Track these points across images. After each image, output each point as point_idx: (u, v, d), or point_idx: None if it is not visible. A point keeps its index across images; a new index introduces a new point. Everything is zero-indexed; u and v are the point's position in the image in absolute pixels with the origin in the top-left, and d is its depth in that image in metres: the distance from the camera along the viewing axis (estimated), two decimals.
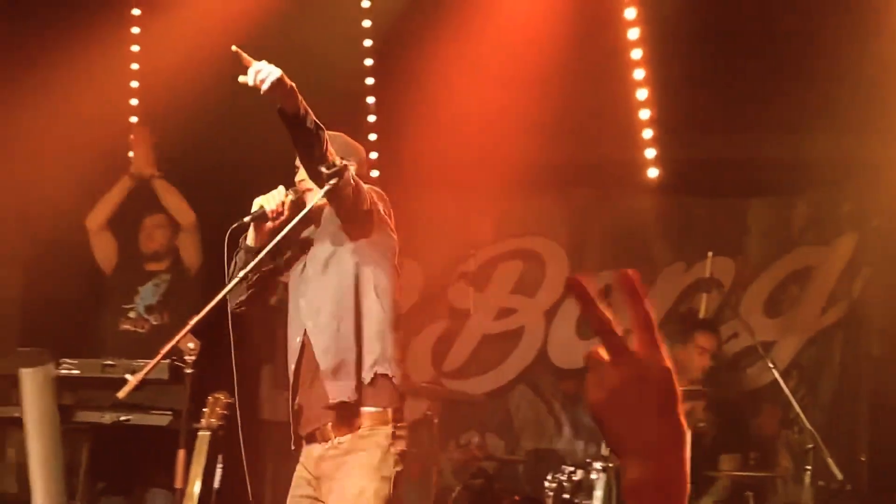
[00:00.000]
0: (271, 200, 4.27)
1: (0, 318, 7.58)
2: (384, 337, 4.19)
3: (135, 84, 7.92)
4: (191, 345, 3.78)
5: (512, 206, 7.88)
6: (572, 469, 5.79)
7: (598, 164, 7.51)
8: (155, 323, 6.66)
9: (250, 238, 4.31)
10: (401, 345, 4.28)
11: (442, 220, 7.99)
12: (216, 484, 5.39)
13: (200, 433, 4.65)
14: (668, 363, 1.44)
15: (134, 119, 7.93)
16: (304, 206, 4.26)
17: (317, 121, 3.99)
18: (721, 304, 7.42)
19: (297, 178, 4.41)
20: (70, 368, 6.27)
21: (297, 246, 4.50)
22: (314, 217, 4.39)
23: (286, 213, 4.29)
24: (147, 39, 7.80)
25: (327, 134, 4.20)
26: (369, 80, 7.82)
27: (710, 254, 7.15)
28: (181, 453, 3.80)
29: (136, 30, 7.82)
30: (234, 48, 3.88)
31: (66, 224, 7.55)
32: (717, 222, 7.71)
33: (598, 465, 5.70)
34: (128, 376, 6.00)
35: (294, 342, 4.28)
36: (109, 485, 7.17)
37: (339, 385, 4.09)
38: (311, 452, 4.21)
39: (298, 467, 4.30)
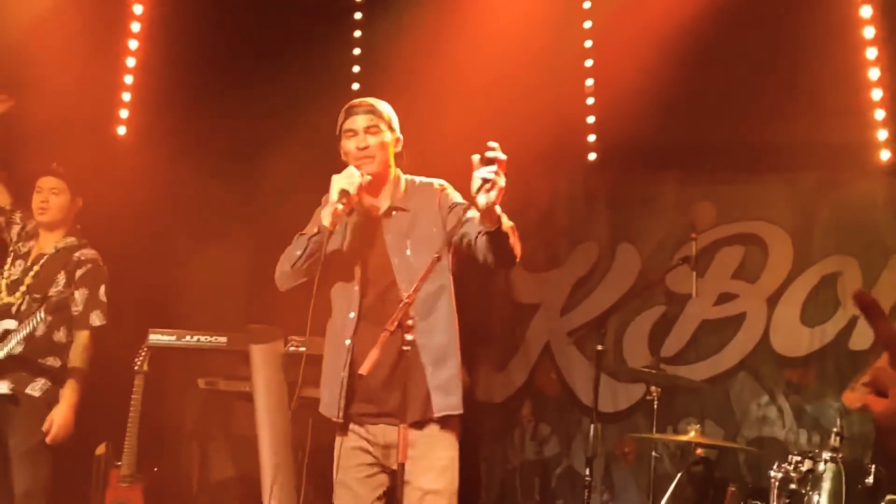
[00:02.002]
0: (352, 184, 4.18)
1: (229, 296, 7.87)
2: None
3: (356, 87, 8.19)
4: (410, 321, 3.82)
5: (735, 189, 7.69)
6: (799, 459, 5.59)
7: (827, 146, 7.24)
8: None
9: (328, 218, 4.18)
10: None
11: (661, 203, 7.88)
12: None
13: None
14: None
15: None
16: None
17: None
18: None
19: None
20: (297, 346, 6.47)
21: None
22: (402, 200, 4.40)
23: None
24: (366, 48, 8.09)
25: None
26: (588, 62, 7.80)
27: None
28: (403, 429, 3.85)
29: (356, 68, 8.22)
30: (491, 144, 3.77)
31: (290, 206, 7.80)
32: None
33: (826, 455, 5.50)
34: None
35: (347, 317, 4.30)
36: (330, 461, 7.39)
37: (441, 377, 4.29)
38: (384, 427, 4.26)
39: (355, 438, 4.35)
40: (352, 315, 4.31)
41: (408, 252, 4.30)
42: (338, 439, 4.42)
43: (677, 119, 7.31)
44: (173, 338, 6.70)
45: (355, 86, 8.16)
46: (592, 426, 6.42)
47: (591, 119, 7.83)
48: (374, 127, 4.37)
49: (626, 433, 7.66)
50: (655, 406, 6.56)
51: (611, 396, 7.71)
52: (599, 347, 6.56)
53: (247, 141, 8.04)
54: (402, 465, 3.94)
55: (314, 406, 6.51)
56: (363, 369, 3.75)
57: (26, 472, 5.77)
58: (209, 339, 6.65)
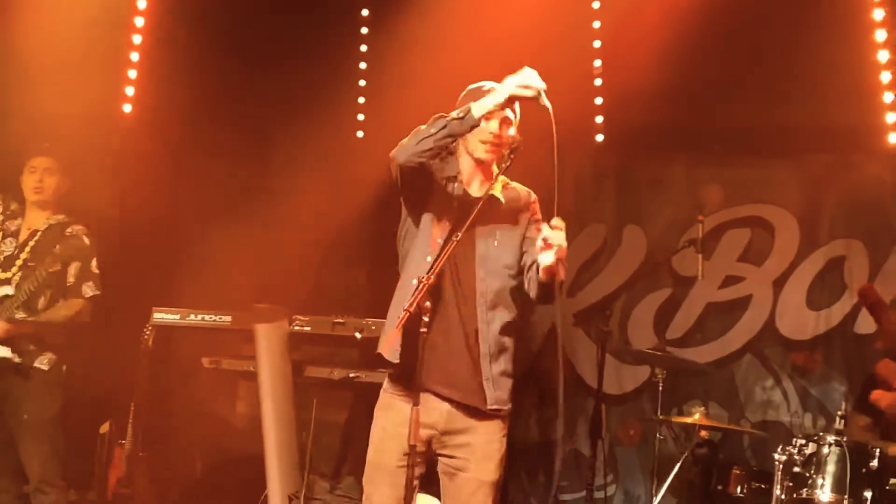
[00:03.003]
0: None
1: (235, 275, 7.87)
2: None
3: (361, 100, 8.35)
4: (428, 303, 3.79)
5: (742, 171, 7.66)
6: (803, 442, 5.58)
7: (835, 129, 7.22)
8: None
9: (505, 94, 4.15)
10: None
11: (669, 185, 7.86)
12: None
13: None
14: None
15: (360, 133, 8.25)
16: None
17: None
18: None
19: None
20: (302, 325, 6.46)
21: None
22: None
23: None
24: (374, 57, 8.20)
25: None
26: (597, 44, 7.77)
27: None
28: (416, 410, 3.84)
29: (364, 47, 8.34)
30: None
31: (297, 185, 7.81)
32: None
33: (830, 438, 5.49)
34: (357, 334, 6.19)
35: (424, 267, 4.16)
36: (335, 440, 7.40)
37: (495, 370, 4.36)
38: (440, 407, 4.18)
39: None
40: (429, 259, 4.22)
41: (495, 243, 4.30)
42: (382, 418, 4.28)
43: (685, 101, 7.29)
44: (178, 316, 6.69)
45: (361, 99, 8.36)
46: (597, 408, 6.41)
47: (599, 100, 7.81)
48: (511, 121, 4.36)
49: (630, 415, 7.66)
50: (660, 388, 6.56)
51: (616, 378, 7.71)
52: (605, 329, 6.55)
53: (254, 120, 8.03)
54: (413, 447, 3.91)
55: (319, 385, 6.55)
56: (388, 353, 3.75)
57: (44, 444, 5.83)
58: (214, 317, 6.64)
